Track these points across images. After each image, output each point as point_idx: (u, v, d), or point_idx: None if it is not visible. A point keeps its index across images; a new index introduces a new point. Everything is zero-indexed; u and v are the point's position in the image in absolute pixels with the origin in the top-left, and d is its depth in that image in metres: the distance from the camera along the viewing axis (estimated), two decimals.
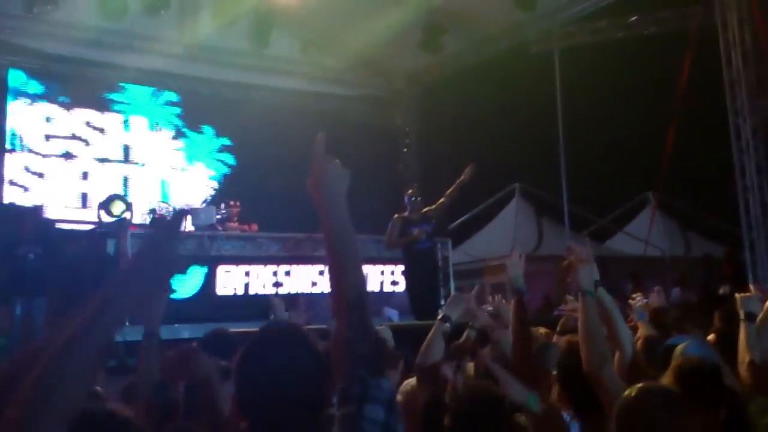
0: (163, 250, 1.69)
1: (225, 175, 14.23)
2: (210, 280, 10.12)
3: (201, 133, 14.16)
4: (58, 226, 9.68)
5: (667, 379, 2.88)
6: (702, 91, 11.96)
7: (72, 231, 10.01)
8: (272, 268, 10.68)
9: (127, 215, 10.34)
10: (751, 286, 4.13)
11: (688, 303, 8.47)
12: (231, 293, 10.24)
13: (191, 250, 10.10)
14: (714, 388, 2.84)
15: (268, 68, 14.02)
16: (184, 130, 14.01)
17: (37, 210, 10.19)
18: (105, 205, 10.46)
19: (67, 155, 12.80)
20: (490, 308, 4.58)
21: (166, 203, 12.57)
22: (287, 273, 10.76)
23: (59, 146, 12.76)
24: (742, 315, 3.84)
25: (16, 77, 12.51)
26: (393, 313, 10.59)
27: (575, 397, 3.03)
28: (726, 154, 11.13)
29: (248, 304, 9.68)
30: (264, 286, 10.46)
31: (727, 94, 11.14)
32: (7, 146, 12.31)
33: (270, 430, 1.83)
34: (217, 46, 13.38)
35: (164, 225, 1.78)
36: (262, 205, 12.00)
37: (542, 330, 5.48)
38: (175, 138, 13.90)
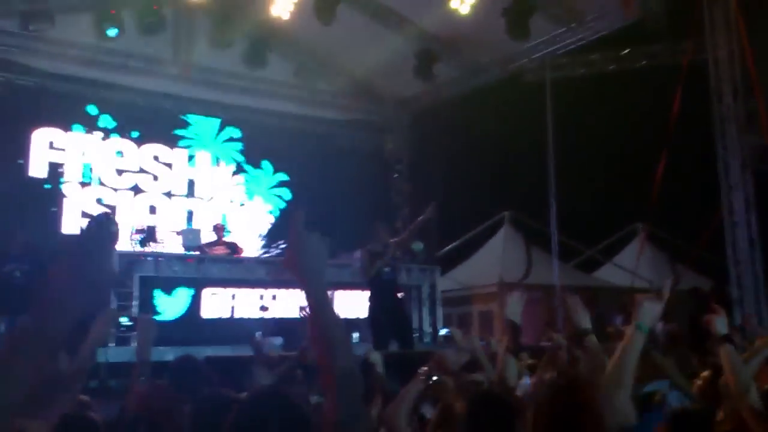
0: (94, 263, 1.58)
1: (281, 210, 14.53)
2: (196, 303, 10.04)
3: (260, 168, 14.49)
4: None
5: None
6: (692, 123, 12.04)
7: (60, 249, 9.92)
8: (259, 291, 10.61)
9: (115, 234, 10.27)
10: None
11: (675, 335, 8.44)
12: (217, 316, 10.16)
13: (178, 272, 10.04)
14: None
15: (260, 90, 14.04)
16: (245, 165, 14.37)
17: None
18: (99, 224, 10.39)
19: (137, 189, 13.07)
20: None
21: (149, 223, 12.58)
22: (273, 297, 10.69)
23: (130, 180, 13.07)
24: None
25: (90, 111, 12.83)
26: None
27: None
28: (715, 186, 11.18)
29: (234, 327, 9.61)
30: (250, 310, 10.38)
31: (716, 130, 11.21)
32: (83, 179, 12.58)
33: None
34: (210, 68, 13.42)
35: (91, 235, 1.68)
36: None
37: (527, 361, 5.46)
38: (236, 173, 14.25)
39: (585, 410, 2.64)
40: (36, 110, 12.31)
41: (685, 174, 14.32)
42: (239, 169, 14.28)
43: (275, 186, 14.58)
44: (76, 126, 12.73)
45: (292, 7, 12.21)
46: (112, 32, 12.08)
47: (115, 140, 13.07)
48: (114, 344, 8.29)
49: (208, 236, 11.48)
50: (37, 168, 12.23)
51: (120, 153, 13.09)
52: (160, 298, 9.71)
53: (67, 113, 12.63)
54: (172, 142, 13.64)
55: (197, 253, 10.71)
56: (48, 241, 10.11)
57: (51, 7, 11.82)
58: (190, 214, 13.53)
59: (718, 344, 3.67)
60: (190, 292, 10.01)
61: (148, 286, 9.59)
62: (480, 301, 14.83)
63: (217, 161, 14.08)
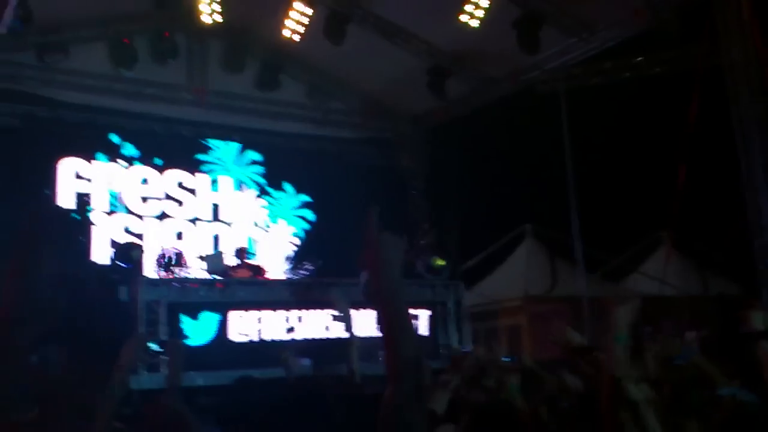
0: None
1: (306, 231, 14.55)
2: (223, 327, 10.01)
3: (282, 191, 14.56)
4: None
5: None
6: (713, 127, 11.95)
7: (85, 275, 9.95)
8: (284, 313, 10.57)
9: (141, 261, 10.32)
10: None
11: (708, 342, 8.31)
12: (245, 339, 10.12)
13: (203, 296, 10.03)
14: None
15: (274, 113, 14.11)
16: (267, 188, 14.42)
17: None
18: (124, 252, 10.44)
19: (163, 215, 13.19)
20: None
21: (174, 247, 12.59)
22: (299, 318, 10.65)
23: (155, 207, 13.17)
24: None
25: (112, 140, 12.93)
26: None
27: None
28: (739, 189, 11.04)
29: (262, 350, 9.57)
30: (277, 332, 10.34)
31: (736, 131, 11.10)
32: (110, 208, 12.69)
33: None
34: (224, 92, 13.51)
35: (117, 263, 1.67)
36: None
37: None
38: (258, 196, 14.31)
39: None
40: (59, 141, 12.38)
41: (708, 178, 14.19)
42: (262, 192, 14.30)
43: (298, 207, 14.59)
44: (99, 155, 12.80)
45: (302, 30, 12.30)
46: (127, 72, 12.32)
47: (139, 168, 13.14)
48: (146, 371, 8.26)
49: (231, 260, 11.48)
50: (65, 198, 12.28)
51: (144, 180, 13.16)
52: (187, 324, 9.69)
53: (89, 143, 12.70)
54: (194, 167, 13.71)
55: (221, 277, 10.71)
56: (78, 270, 10.14)
57: (65, 38, 11.99)
58: (216, 238, 13.53)
59: (758, 339, 3.60)
60: (216, 316, 9.99)
61: (175, 311, 9.58)
62: (506, 315, 14.72)
63: (239, 185, 14.11)
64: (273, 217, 14.35)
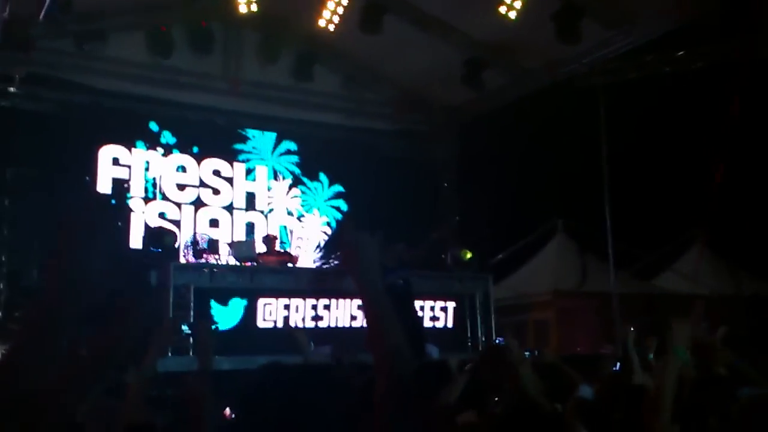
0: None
1: (338, 221, 14.59)
2: (250, 313, 10.11)
3: (317, 180, 14.63)
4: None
5: None
6: (752, 125, 11.71)
7: (122, 261, 10.11)
8: (312, 301, 10.64)
9: (173, 247, 10.46)
10: None
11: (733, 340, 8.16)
12: (271, 326, 10.21)
13: (232, 282, 10.14)
14: None
15: (308, 103, 14.16)
16: (302, 178, 14.51)
17: None
18: (156, 238, 10.58)
19: (198, 203, 13.34)
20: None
21: (204, 233, 12.71)
22: (326, 307, 10.71)
23: (191, 194, 13.34)
24: None
25: (151, 128, 13.11)
26: (434, 350, 10.44)
27: None
28: None
29: (288, 337, 9.61)
30: (303, 320, 10.41)
31: None
32: (147, 195, 12.88)
33: None
34: (259, 82, 13.58)
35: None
36: None
37: None
38: (293, 186, 14.39)
39: None
40: (99, 128, 12.54)
41: (746, 177, 13.93)
42: (296, 182, 14.38)
43: (331, 198, 14.65)
44: (139, 143, 12.96)
45: (337, 20, 12.30)
46: (164, 61, 12.47)
47: (176, 156, 13.28)
48: (172, 354, 8.38)
49: (260, 247, 11.58)
50: (103, 185, 12.46)
51: (181, 168, 13.30)
52: (216, 309, 9.80)
53: (130, 131, 12.85)
54: (231, 156, 13.81)
55: (249, 264, 10.81)
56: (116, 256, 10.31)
57: (103, 26, 12.15)
58: (249, 227, 13.64)
59: None
60: (244, 302, 10.09)
61: (204, 297, 9.70)
62: (535, 309, 14.64)
63: (274, 175, 14.21)
64: (307, 207, 14.42)
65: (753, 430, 2.64)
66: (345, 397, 2.37)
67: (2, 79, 11.82)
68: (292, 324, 10.22)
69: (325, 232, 14.41)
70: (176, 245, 10.79)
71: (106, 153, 12.64)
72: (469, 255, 12.24)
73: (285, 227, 14.08)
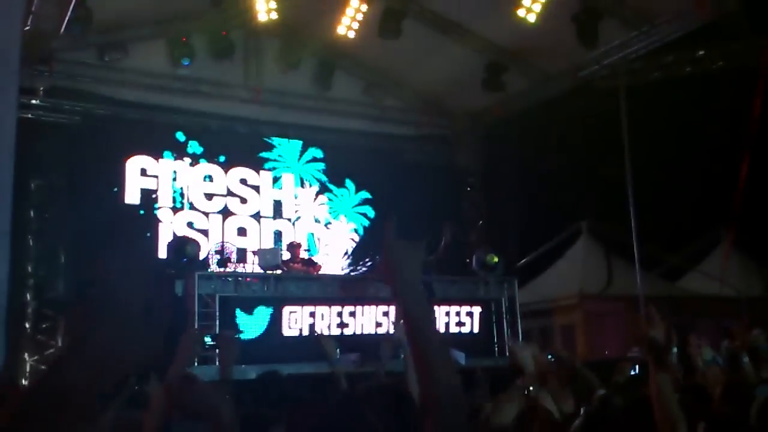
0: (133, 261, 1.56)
1: (365, 228, 14.70)
2: (275, 321, 10.15)
3: (344, 187, 14.72)
4: None
5: None
6: None
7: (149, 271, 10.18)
8: (337, 308, 10.66)
9: (197, 257, 10.51)
10: None
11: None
12: (296, 334, 10.24)
13: (257, 291, 10.18)
14: None
15: (330, 110, 14.20)
16: (329, 185, 14.59)
17: None
18: (178, 247, 10.65)
19: (226, 212, 13.42)
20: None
21: (230, 243, 12.77)
22: (351, 314, 10.72)
23: (219, 204, 13.44)
24: None
25: (178, 138, 13.23)
26: (460, 356, 10.42)
27: None
28: None
29: (314, 345, 9.62)
30: (329, 327, 10.43)
31: None
32: (174, 205, 13.02)
33: None
34: (280, 90, 13.65)
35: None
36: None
37: None
38: (319, 193, 14.48)
39: None
40: (125, 139, 12.64)
41: None
42: (323, 189, 14.44)
43: (358, 204, 14.68)
44: (166, 153, 13.07)
45: (357, 26, 12.34)
46: (185, 61, 12.54)
47: (203, 165, 13.39)
48: (197, 363, 8.42)
49: (284, 255, 11.63)
50: (131, 195, 12.58)
51: (208, 177, 13.40)
52: (240, 317, 9.85)
53: (156, 141, 12.97)
54: (257, 165, 13.90)
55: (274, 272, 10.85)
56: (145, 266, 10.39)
57: (124, 37, 12.29)
58: (277, 234, 13.71)
59: None
60: (269, 310, 10.13)
61: (229, 305, 9.76)
62: (561, 313, 14.54)
63: (300, 182, 14.27)
64: (334, 214, 14.46)
65: None
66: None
67: (26, 91, 11.92)
68: (317, 331, 10.24)
69: (352, 239, 14.45)
70: (199, 254, 10.84)
71: (134, 163, 12.75)
72: (495, 259, 12.20)
73: (312, 234, 14.13)
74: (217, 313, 9.52)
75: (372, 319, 10.78)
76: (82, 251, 11.05)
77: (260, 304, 10.06)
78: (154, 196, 12.65)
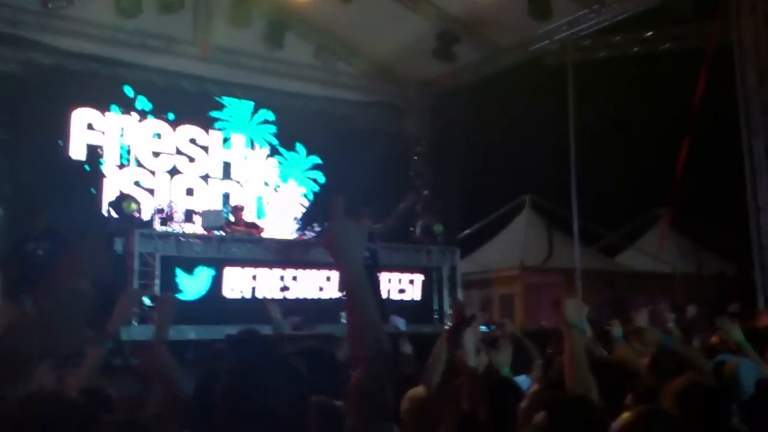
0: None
1: (315, 193, 14.60)
2: (217, 283, 10.11)
3: (294, 151, 14.55)
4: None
5: (667, 401, 2.82)
6: (717, 107, 11.87)
7: (81, 228, 10.01)
8: (279, 272, 10.66)
9: (136, 214, 10.34)
10: None
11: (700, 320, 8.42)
12: (238, 296, 10.22)
13: (199, 252, 10.10)
14: (721, 418, 2.80)
15: (281, 72, 14.03)
16: (279, 148, 14.41)
17: None
18: (116, 204, 10.47)
19: (174, 171, 13.16)
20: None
21: (172, 203, 12.60)
22: (294, 278, 10.74)
23: (167, 162, 13.15)
24: None
25: (126, 92, 12.82)
26: (400, 322, 10.57)
27: None
28: (739, 171, 11.03)
29: (255, 307, 9.64)
30: (271, 290, 10.43)
31: (741, 112, 11.04)
32: (121, 162, 12.66)
33: None
34: (230, 48, 13.41)
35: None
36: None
37: None
38: (270, 156, 14.29)
39: None
40: (70, 91, 12.23)
41: (709, 158, 14.15)
42: (273, 152, 14.30)
43: (309, 169, 14.60)
44: (113, 107, 12.73)
45: None
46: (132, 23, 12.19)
47: (152, 122, 13.08)
48: (136, 323, 8.37)
49: (229, 217, 11.55)
50: (77, 149, 12.24)
51: (157, 135, 13.13)
52: (181, 278, 9.78)
53: (103, 94, 12.58)
54: (207, 124, 13.67)
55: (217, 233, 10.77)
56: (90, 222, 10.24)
57: None
58: (225, 196, 13.54)
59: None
60: (211, 271, 10.07)
61: (170, 265, 9.67)
62: (501, 284, 14.82)
63: (251, 144, 14.12)
64: (284, 177, 14.35)
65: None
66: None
67: None
68: (259, 295, 10.25)
69: (301, 204, 14.38)
70: (141, 212, 10.67)
71: (80, 117, 12.38)
72: (441, 228, 12.34)
73: (261, 198, 14.03)
74: (158, 272, 9.42)
75: (314, 284, 10.82)
76: (22, 205, 10.73)
77: (201, 265, 9.99)
78: (99, 151, 12.36)
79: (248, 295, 10.28)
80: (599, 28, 12.86)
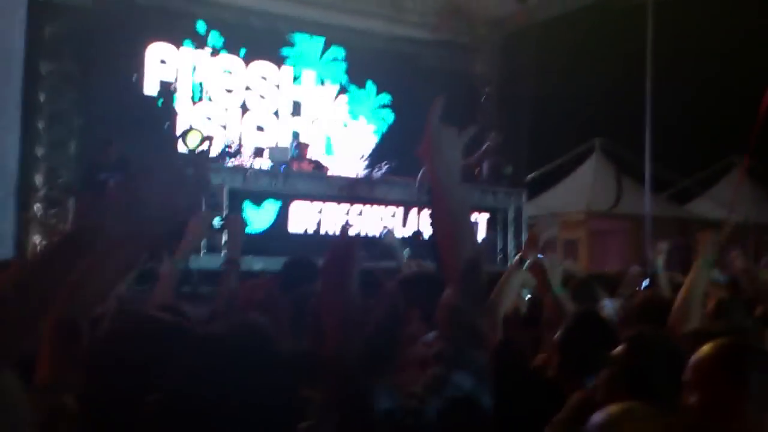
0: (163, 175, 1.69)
1: (384, 131, 14.57)
2: (283, 216, 10.22)
3: (364, 88, 14.47)
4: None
5: None
6: None
7: (153, 159, 10.19)
8: (345, 207, 10.71)
9: (204, 146, 10.48)
10: None
11: None
12: (302, 230, 10.32)
13: (265, 185, 10.20)
14: None
15: (348, 9, 13.86)
16: (350, 85, 14.34)
17: None
18: (183, 137, 10.62)
19: (244, 107, 13.30)
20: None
21: (241, 137, 12.70)
22: (360, 213, 10.79)
23: (238, 99, 13.26)
24: None
25: (198, 28, 12.83)
26: None
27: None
28: None
29: (320, 242, 9.74)
30: (335, 225, 10.49)
31: None
32: (194, 98, 12.79)
33: None
34: None
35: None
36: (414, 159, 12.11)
37: None
38: (340, 93, 14.25)
39: None
40: (143, 25, 12.17)
41: None
42: (343, 89, 14.23)
43: (379, 107, 14.52)
44: (186, 41, 12.75)
45: None
46: None
47: (224, 57, 13.10)
48: (205, 251, 8.54)
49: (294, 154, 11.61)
50: (150, 85, 12.37)
51: (228, 71, 13.17)
52: (248, 210, 9.91)
53: (177, 29, 12.58)
54: (278, 60, 13.65)
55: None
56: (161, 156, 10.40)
57: None
58: (295, 135, 13.49)
59: None
60: (278, 204, 10.18)
61: (238, 197, 9.80)
62: (566, 228, 14.61)
63: (321, 81, 14.07)
64: (354, 114, 14.30)
65: None
66: None
67: None
68: (323, 230, 10.32)
69: (370, 141, 14.35)
70: (208, 146, 10.79)
71: (153, 52, 12.46)
72: (509, 169, 12.19)
73: (330, 137, 14.04)
74: (226, 203, 9.56)
75: (379, 220, 10.85)
76: (95, 138, 10.94)
77: (269, 198, 10.10)
78: (172, 87, 12.47)
79: (312, 230, 10.37)
80: None
